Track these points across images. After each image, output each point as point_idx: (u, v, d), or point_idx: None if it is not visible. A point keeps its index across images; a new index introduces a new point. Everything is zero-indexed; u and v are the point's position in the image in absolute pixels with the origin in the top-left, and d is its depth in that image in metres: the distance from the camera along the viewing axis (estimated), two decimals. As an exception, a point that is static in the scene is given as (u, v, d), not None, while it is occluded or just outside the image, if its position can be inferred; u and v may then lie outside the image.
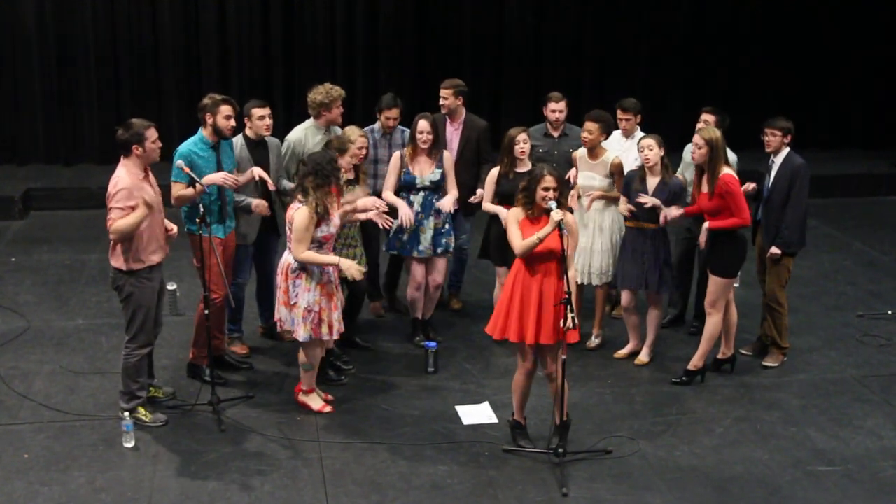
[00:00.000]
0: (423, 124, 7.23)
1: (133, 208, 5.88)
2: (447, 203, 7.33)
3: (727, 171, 6.66)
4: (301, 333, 6.25)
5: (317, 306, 6.22)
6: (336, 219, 6.29)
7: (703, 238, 6.84)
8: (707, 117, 7.57)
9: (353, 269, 6.25)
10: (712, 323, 6.88)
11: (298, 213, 6.13)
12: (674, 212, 6.84)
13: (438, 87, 7.89)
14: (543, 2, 12.81)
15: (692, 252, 7.40)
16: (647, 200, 6.89)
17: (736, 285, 8.69)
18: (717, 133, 6.74)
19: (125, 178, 5.92)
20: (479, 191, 7.51)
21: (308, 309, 6.21)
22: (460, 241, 7.95)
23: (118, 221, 5.88)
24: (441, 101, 7.82)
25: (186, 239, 6.76)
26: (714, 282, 6.85)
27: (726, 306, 7.01)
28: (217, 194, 6.68)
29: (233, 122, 6.71)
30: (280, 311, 6.36)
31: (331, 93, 7.33)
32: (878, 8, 13.21)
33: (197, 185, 6.37)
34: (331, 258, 6.23)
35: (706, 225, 6.79)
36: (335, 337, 6.40)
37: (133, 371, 6.16)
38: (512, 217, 5.92)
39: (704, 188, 6.79)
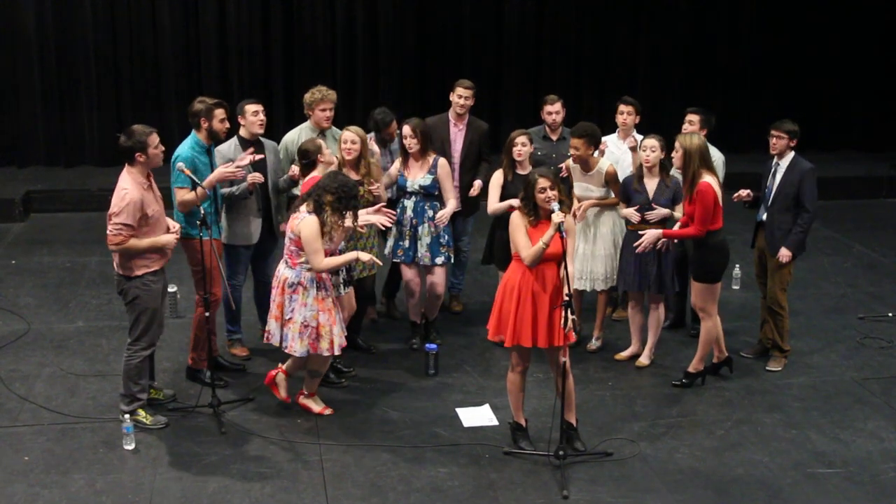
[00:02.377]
0: (404, 129, 7.22)
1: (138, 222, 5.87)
2: (443, 216, 7.26)
3: (706, 180, 6.56)
4: (297, 349, 6.17)
5: (314, 321, 6.13)
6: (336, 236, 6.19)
7: (646, 242, 6.78)
8: (692, 117, 7.54)
9: (371, 258, 6.22)
10: (706, 328, 6.86)
11: (306, 225, 5.97)
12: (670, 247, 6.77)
13: (437, 88, 7.86)
14: (543, 3, 12.82)
15: (685, 255, 7.38)
16: (657, 216, 6.91)
17: (735, 287, 8.74)
18: (695, 141, 6.61)
19: (133, 190, 5.86)
20: (476, 181, 7.53)
21: (304, 324, 6.14)
22: (460, 244, 7.94)
23: (132, 241, 5.86)
24: (462, 102, 7.75)
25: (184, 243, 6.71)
26: (697, 287, 6.83)
27: None
28: (214, 196, 6.66)
29: (227, 125, 6.70)
30: (270, 325, 6.29)
31: (314, 94, 7.28)
32: (878, 9, 13.22)
33: (199, 189, 6.34)
34: (349, 255, 6.16)
35: (659, 232, 6.75)
36: (337, 353, 6.30)
37: (134, 373, 6.15)
38: (518, 223, 5.86)
39: None
